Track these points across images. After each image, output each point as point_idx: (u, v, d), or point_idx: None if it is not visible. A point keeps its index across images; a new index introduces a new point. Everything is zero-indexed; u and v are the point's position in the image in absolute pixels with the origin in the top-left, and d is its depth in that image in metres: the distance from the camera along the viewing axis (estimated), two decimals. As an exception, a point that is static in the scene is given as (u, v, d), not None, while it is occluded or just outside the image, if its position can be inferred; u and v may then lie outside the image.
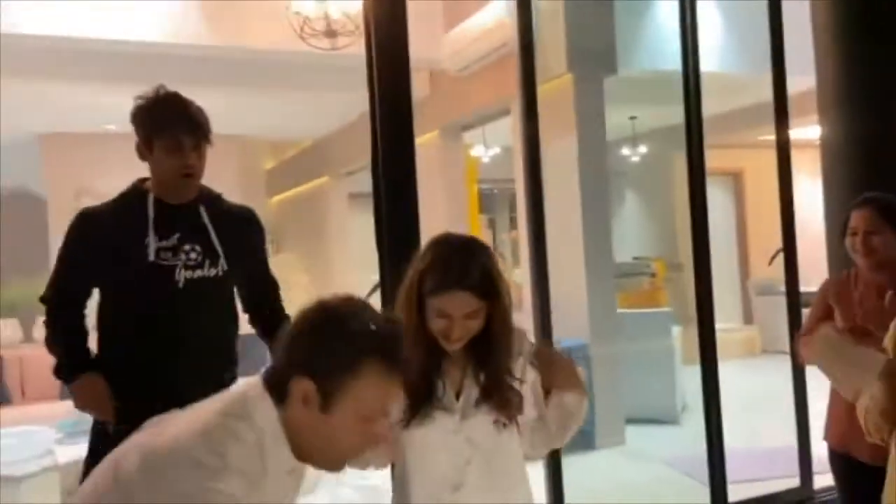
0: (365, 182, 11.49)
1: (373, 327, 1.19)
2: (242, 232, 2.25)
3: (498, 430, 1.59)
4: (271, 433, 1.15)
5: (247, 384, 1.23)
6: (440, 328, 1.54)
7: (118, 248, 2.06)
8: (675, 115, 3.78)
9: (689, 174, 3.66)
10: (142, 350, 2.05)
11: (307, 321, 1.20)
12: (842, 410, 2.26)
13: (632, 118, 7.95)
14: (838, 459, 2.38)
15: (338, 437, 1.18)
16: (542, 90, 3.24)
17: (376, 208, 2.94)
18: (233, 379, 2.22)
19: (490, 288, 1.54)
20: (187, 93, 2.18)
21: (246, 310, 2.37)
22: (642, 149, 8.74)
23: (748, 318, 9.34)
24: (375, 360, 1.16)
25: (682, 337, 6.06)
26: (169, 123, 2.06)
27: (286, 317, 2.29)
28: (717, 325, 3.79)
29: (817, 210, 3.69)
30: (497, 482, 1.60)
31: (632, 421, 5.36)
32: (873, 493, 2.15)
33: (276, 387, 1.17)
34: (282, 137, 10.03)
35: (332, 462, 1.22)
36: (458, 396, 1.60)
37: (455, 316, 1.52)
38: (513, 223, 10.56)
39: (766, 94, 3.91)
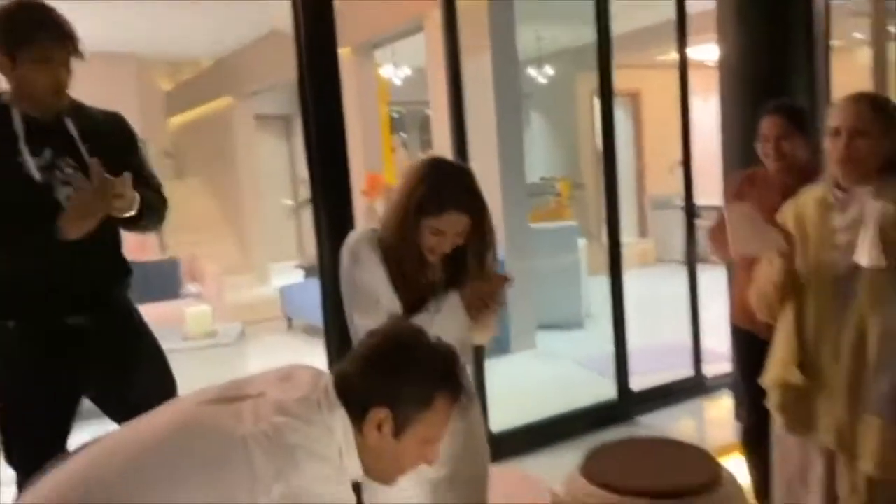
0: (272, 103, 11.19)
1: (440, 359, 1.34)
2: (112, 139, 2.11)
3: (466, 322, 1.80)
4: (346, 442, 1.28)
5: (312, 384, 1.32)
6: (431, 244, 1.74)
7: None
8: (579, 36, 3.89)
9: (601, 96, 3.87)
10: (24, 273, 1.97)
11: (383, 353, 1.33)
12: (745, 292, 2.60)
13: (538, 38, 8.09)
14: (739, 334, 2.71)
15: (402, 458, 1.33)
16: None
17: (305, 123, 3.01)
18: (127, 288, 2.19)
19: (479, 207, 1.76)
20: (74, 6, 2.03)
21: None
22: (548, 70, 8.92)
23: (643, 232, 9.95)
24: (446, 394, 1.32)
25: (587, 251, 6.46)
26: (37, 35, 1.89)
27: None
28: (618, 239, 4.08)
29: (708, 129, 4.00)
30: None
31: (542, 327, 5.75)
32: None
33: (352, 404, 1.28)
34: (181, 56, 9.60)
35: (389, 477, 1.37)
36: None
37: (448, 234, 1.72)
38: (424, 145, 10.65)
39: (662, 13, 4.07)
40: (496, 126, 5.23)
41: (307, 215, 8.43)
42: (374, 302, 1.76)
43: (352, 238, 1.85)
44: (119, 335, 2.12)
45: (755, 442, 2.71)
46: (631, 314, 4.03)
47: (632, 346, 3.98)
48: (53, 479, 1.26)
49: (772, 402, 2.11)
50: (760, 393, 2.60)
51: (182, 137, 10.78)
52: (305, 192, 9.77)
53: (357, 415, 1.29)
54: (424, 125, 10.34)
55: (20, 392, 1.99)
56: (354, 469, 1.30)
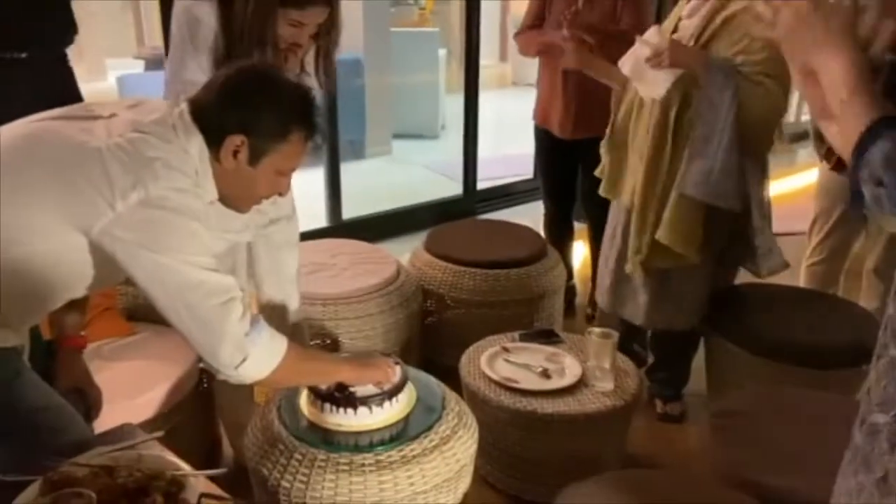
0: None
1: (298, 96, 1.39)
2: None
3: None
4: (202, 166, 1.32)
5: (167, 110, 1.34)
6: (289, 35, 1.71)
7: None
8: None
9: None
10: None
11: (243, 83, 1.36)
12: (546, 93, 2.93)
13: None
14: (538, 132, 3.08)
15: (254, 185, 1.40)
16: None
17: None
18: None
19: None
20: None
21: None
22: None
23: (503, 56, 10.04)
24: (301, 128, 1.38)
25: (446, 68, 6.48)
26: None
27: None
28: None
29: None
30: None
31: (398, 136, 5.86)
32: (561, 160, 3.00)
33: (209, 131, 1.32)
34: None
35: (243, 204, 1.45)
36: None
37: (308, 25, 1.70)
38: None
39: None
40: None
41: (147, 5, 7.73)
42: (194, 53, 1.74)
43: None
44: None
45: (555, 227, 3.11)
46: (483, 129, 4.19)
47: (481, 156, 4.19)
48: None
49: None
50: (556, 184, 3.04)
51: None
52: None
53: (213, 141, 1.34)
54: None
55: None
56: (210, 193, 1.37)
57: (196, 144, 1.33)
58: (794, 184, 4.73)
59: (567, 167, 3.00)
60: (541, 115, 3.00)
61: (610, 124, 2.38)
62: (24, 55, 2.12)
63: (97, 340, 1.98)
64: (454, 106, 4.88)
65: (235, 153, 1.34)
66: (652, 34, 2.10)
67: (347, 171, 3.73)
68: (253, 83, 1.38)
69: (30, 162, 1.25)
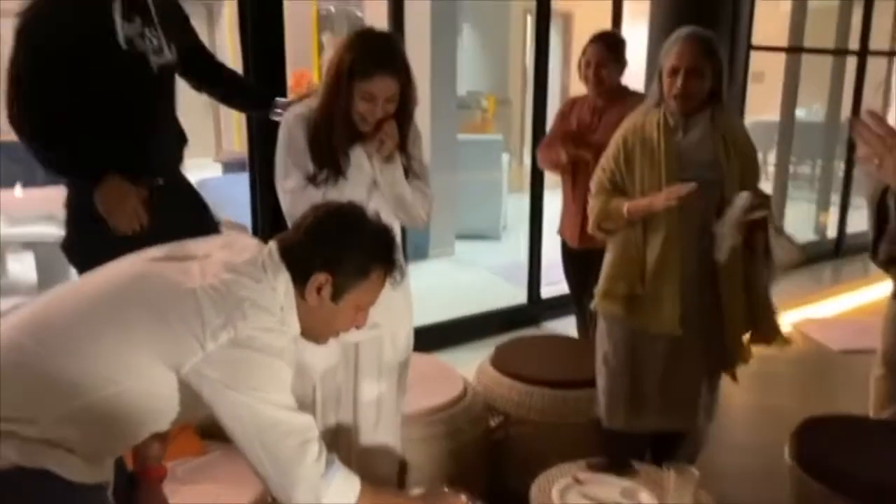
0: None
1: (379, 236, 1.46)
2: (174, 13, 2.18)
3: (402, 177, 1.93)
4: (287, 302, 1.38)
5: (257, 249, 1.42)
6: (363, 110, 1.80)
7: (84, 37, 1.90)
8: None
9: (538, 15, 3.94)
10: (118, 144, 2.00)
11: (328, 223, 1.44)
12: (563, 205, 3.10)
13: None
14: (562, 245, 3.19)
15: (335, 319, 1.46)
16: None
17: (241, 12, 2.97)
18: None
19: (407, 73, 1.81)
20: None
21: (200, 82, 2.36)
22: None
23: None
24: (381, 266, 1.45)
25: (509, 167, 6.62)
26: None
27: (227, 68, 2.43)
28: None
29: (634, 56, 4.15)
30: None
31: (461, 236, 5.94)
32: (573, 268, 3.11)
33: (295, 269, 1.39)
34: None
35: (322, 337, 1.50)
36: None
37: (379, 98, 1.78)
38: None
39: None
40: (430, 34, 5.21)
41: (226, 110, 8.19)
42: (293, 167, 1.88)
43: (287, 115, 1.95)
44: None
45: (584, 333, 3.17)
46: (546, 229, 4.22)
47: (545, 259, 4.20)
48: (6, 323, 1.31)
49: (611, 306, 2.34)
50: (574, 292, 3.11)
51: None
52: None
53: (299, 279, 1.39)
54: (354, 25, 10.07)
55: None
56: (293, 328, 1.41)
57: (283, 282, 1.38)
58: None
59: (580, 276, 3.06)
60: (560, 225, 3.17)
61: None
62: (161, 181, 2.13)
63: (172, 460, 2.00)
64: (516, 205, 4.94)
65: (319, 290, 1.40)
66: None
67: (410, 272, 3.76)
68: (337, 223, 1.45)
69: (131, 301, 1.32)
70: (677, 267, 2.20)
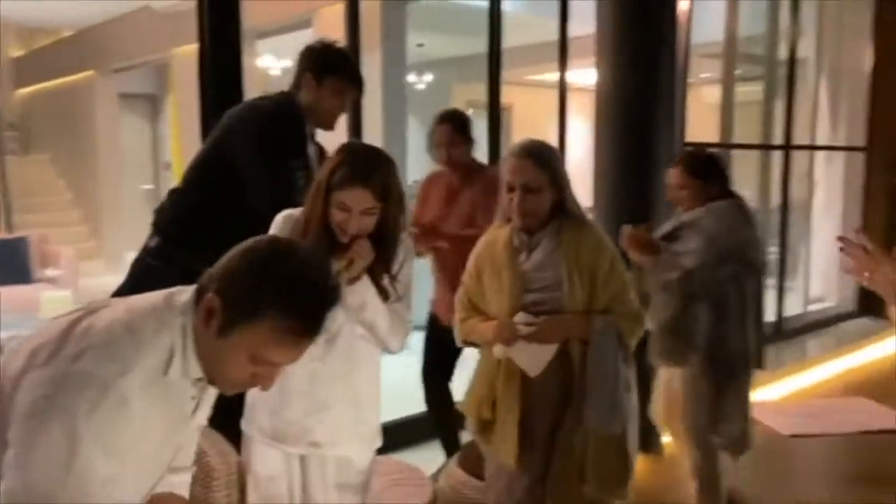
0: (137, 81, 10.58)
1: (299, 282, 1.20)
2: None
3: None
4: (181, 341, 1.22)
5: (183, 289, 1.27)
6: (339, 220, 1.76)
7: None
8: (459, 47, 3.93)
9: (489, 107, 4.06)
10: None
11: (250, 251, 1.23)
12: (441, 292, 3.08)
13: (419, 45, 8.22)
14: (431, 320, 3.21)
15: (226, 363, 1.22)
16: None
17: (202, 105, 2.96)
18: None
19: (387, 191, 1.76)
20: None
21: None
22: (428, 76, 9.09)
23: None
24: (281, 313, 1.18)
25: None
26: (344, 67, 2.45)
27: None
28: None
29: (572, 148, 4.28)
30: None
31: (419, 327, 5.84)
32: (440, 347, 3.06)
33: (199, 293, 1.23)
34: (39, 22, 8.89)
35: (221, 382, 1.28)
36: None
37: (354, 210, 1.74)
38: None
39: (539, 35, 4.21)
40: (382, 127, 5.30)
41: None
42: None
43: (278, 215, 1.91)
44: None
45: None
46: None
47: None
48: None
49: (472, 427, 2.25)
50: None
51: (30, 109, 9.98)
52: (168, 177, 9.35)
53: (199, 297, 1.23)
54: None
55: None
56: (192, 366, 1.24)
57: (184, 317, 1.24)
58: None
59: (438, 353, 3.17)
60: (433, 302, 3.20)
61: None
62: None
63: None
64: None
65: (209, 315, 1.20)
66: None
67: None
68: (258, 250, 1.24)
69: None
70: (517, 397, 2.09)
